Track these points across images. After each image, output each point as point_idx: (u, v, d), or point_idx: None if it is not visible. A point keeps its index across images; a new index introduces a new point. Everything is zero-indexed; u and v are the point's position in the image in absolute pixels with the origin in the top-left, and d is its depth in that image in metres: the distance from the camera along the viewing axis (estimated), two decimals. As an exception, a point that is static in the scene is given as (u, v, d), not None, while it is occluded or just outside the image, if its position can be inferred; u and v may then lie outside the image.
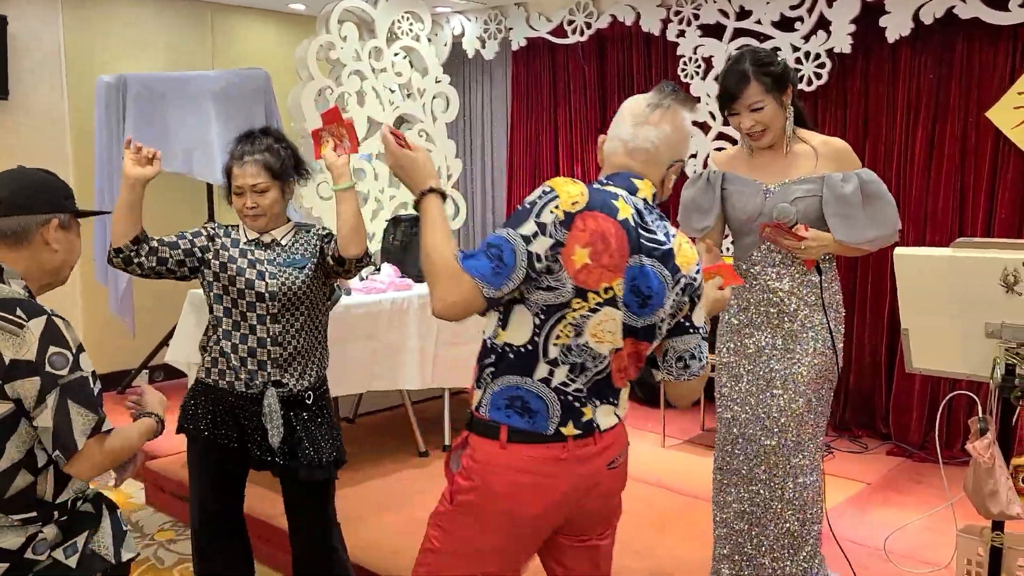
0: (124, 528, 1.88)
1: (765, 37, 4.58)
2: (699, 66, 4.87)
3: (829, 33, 4.37)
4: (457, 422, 4.78)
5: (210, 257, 2.48)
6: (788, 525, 2.52)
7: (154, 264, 2.44)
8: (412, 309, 4.12)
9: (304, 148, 3.07)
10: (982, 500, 2.00)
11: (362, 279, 4.14)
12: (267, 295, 2.43)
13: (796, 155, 2.54)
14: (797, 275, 2.54)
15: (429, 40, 5.45)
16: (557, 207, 1.63)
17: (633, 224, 1.68)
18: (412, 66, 5.35)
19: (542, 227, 1.62)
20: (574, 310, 1.65)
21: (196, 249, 2.48)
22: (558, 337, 1.67)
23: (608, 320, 1.68)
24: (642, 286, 1.68)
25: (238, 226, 2.55)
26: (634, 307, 1.69)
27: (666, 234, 1.74)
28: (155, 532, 3.72)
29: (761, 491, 2.54)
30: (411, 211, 5.23)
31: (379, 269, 4.28)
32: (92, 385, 1.72)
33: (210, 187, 5.39)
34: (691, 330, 1.81)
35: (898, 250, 2.11)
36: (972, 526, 2.21)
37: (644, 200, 1.74)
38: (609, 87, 5.65)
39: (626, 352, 1.74)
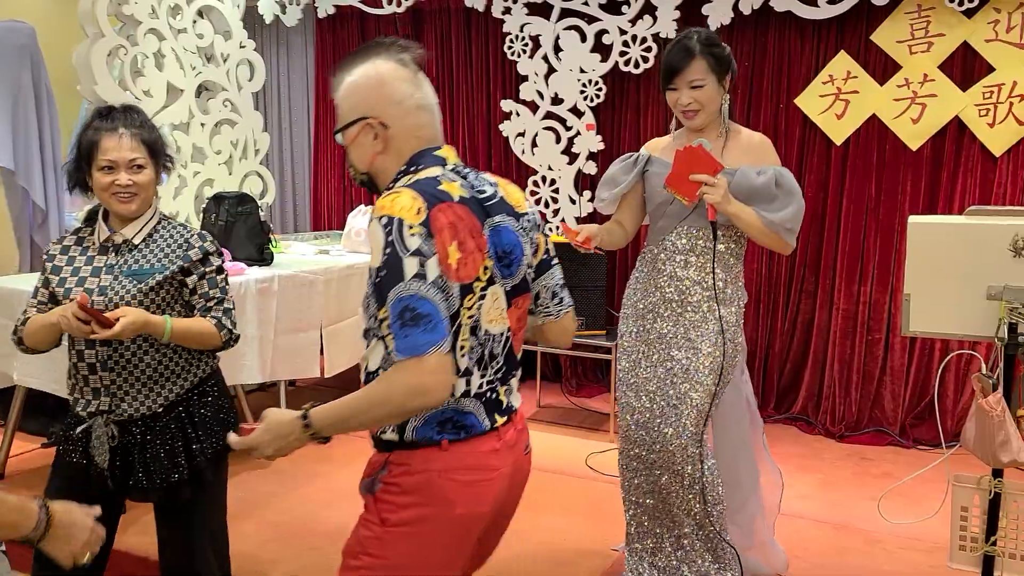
0: None
1: (593, 19, 4.67)
2: (526, 44, 4.85)
3: (655, 18, 4.54)
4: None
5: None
6: (690, 506, 2.59)
7: None
8: (249, 295, 3.73)
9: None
10: (992, 451, 2.14)
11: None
12: None
13: (728, 148, 2.53)
14: (705, 264, 2.54)
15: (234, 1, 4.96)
16: (411, 227, 1.49)
17: (468, 195, 1.61)
18: (214, 28, 4.84)
19: (419, 252, 1.48)
20: (467, 308, 1.56)
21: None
22: (462, 348, 1.56)
23: (494, 299, 1.61)
24: (502, 248, 1.62)
25: (93, 228, 2.18)
26: (505, 273, 1.64)
27: (491, 184, 1.68)
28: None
29: (663, 476, 2.59)
30: (233, 188, 4.77)
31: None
32: None
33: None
34: (552, 263, 1.79)
35: (912, 218, 2.24)
36: (964, 476, 2.35)
37: (455, 165, 1.66)
38: (425, 64, 5.47)
39: (514, 317, 1.69)
